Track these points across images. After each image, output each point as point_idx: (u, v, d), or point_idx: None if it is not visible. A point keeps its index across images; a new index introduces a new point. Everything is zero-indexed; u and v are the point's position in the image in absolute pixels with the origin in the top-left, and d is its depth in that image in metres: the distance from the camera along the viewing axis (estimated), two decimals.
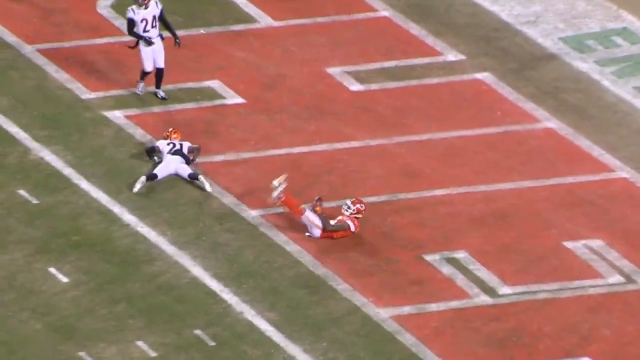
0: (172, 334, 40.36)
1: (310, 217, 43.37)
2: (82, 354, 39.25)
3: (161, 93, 47.42)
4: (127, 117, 46.11)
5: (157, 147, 45.01)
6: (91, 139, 46.18)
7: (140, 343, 40.01)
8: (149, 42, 47.21)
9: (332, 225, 43.17)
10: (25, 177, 44.67)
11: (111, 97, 46.48)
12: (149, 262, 42.10)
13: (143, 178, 44.19)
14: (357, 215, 43.42)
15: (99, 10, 51.04)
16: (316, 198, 43.76)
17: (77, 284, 41.65)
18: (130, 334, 39.84)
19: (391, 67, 48.00)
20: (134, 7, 48.13)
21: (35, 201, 43.57)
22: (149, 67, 45.94)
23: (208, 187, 44.19)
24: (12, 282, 41.97)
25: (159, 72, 45.25)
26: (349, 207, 43.18)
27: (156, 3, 48.42)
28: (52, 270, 42.09)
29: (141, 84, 46.71)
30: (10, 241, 42.11)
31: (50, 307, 40.54)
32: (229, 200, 43.97)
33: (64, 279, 41.98)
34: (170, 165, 44.40)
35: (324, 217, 43.65)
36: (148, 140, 45.50)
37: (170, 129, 44.64)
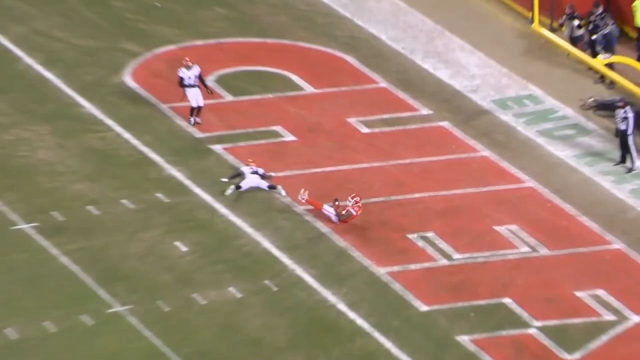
0: (251, 283, 39.36)
1: (327, 210, 42.16)
2: (194, 295, 38.30)
3: (198, 120, 44.39)
4: (224, 149, 43.28)
5: (242, 171, 43.52)
6: (201, 162, 43.54)
7: (231, 289, 39.00)
8: (192, 87, 45.24)
9: (343, 215, 42.31)
10: (161, 185, 43.64)
11: (213, 136, 43.98)
12: (237, 238, 41.04)
13: (233, 187, 42.66)
14: (358, 204, 41.81)
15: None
16: (334, 199, 42.48)
17: (192, 252, 40.40)
18: (224, 283, 39.05)
19: (387, 117, 45.67)
20: (182, 68, 47.14)
21: (166, 200, 42.22)
22: (194, 104, 43.97)
23: (284, 193, 42.35)
24: (152, 249, 40.52)
25: (199, 108, 43.96)
26: (350, 200, 42.90)
27: (196, 66, 45.06)
28: (177, 243, 40.59)
29: (192, 118, 44.15)
30: (151, 224, 40.97)
31: (175, 266, 39.43)
32: (286, 200, 41.18)
33: (184, 248, 40.73)
34: (251, 181, 42.83)
35: (338, 211, 42.41)
36: (236, 163, 42.89)
37: (250, 160, 42.98)
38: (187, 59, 46.82)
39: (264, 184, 43.23)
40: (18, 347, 37.78)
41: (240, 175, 44.51)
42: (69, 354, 37.40)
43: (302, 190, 43.55)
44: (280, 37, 49.81)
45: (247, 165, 44.19)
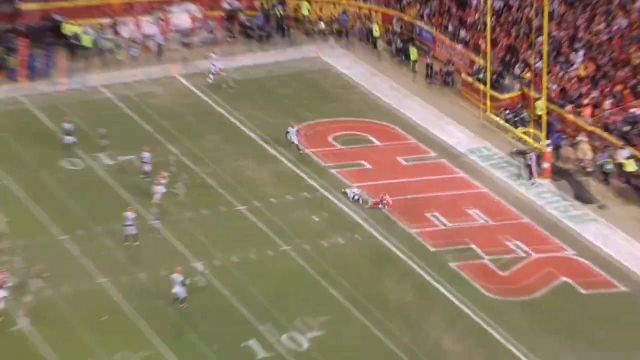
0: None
1: (380, 205, 43.68)
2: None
3: (302, 149, 46.35)
4: (338, 172, 46.12)
5: (347, 192, 44.30)
6: (328, 176, 45.31)
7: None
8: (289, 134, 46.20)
9: (384, 205, 43.68)
10: (318, 207, 44.18)
11: (332, 165, 46.57)
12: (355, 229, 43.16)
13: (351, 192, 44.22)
14: (389, 199, 43.60)
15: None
16: (381, 195, 43.89)
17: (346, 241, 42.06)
18: None
19: (414, 157, 47.24)
20: (290, 128, 46.52)
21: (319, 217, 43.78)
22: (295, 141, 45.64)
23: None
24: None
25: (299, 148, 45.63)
26: (385, 195, 43.67)
27: (296, 127, 46.96)
28: (340, 240, 41.86)
29: (299, 147, 46.31)
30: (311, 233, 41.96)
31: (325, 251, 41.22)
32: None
33: (342, 241, 41.72)
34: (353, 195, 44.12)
35: (384, 204, 43.75)
36: (345, 180, 45.11)
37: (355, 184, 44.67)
38: (293, 123, 48.02)
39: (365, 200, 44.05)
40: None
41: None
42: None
43: (368, 199, 44.21)
44: (362, 116, 50.94)
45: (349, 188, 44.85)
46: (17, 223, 41.62)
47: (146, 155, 44.85)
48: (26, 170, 45.09)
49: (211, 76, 52.24)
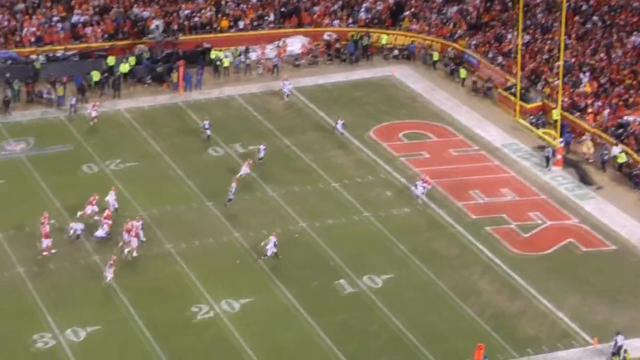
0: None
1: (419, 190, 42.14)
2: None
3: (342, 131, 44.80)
4: (407, 160, 45.40)
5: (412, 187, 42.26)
6: (395, 163, 44.73)
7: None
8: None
9: (424, 184, 42.23)
10: (390, 185, 43.98)
11: (401, 155, 45.59)
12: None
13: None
14: (428, 179, 42.15)
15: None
16: (422, 176, 42.38)
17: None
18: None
19: (462, 149, 46.11)
20: (339, 120, 45.98)
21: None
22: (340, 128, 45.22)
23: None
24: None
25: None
26: (425, 176, 42.41)
27: (341, 121, 46.36)
28: (406, 209, 41.26)
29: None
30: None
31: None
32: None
33: (407, 210, 41.35)
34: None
35: (425, 181, 42.11)
36: (412, 168, 44.64)
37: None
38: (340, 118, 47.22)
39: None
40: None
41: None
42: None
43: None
44: (423, 119, 49.79)
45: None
46: (176, 193, 42.49)
47: (262, 147, 44.80)
48: (184, 156, 45.43)
49: (285, 97, 51.13)
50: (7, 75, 50.31)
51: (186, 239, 39.12)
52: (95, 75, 51.33)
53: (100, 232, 38.44)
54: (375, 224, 40.79)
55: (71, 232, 38.43)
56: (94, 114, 47.78)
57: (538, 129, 48.29)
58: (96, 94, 50.82)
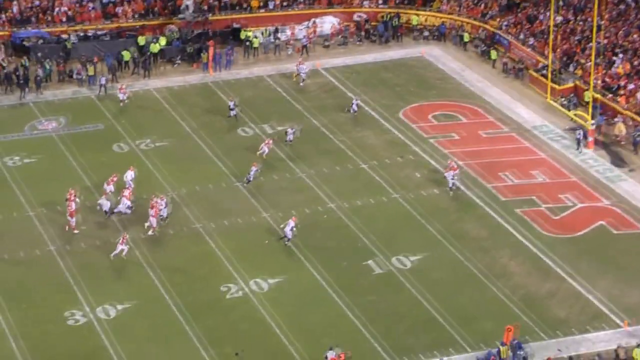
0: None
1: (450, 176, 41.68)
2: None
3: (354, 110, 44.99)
4: (436, 142, 45.32)
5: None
6: (425, 145, 44.65)
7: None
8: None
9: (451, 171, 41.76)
10: (419, 166, 43.88)
11: (431, 136, 45.51)
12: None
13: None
14: (454, 165, 41.77)
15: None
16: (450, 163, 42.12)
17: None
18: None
19: (491, 131, 46.11)
20: (354, 99, 46.17)
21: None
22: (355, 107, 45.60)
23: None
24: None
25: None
26: (451, 162, 42.09)
27: (355, 99, 46.75)
28: (436, 190, 41.33)
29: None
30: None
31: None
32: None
33: (437, 192, 41.71)
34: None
35: (451, 168, 41.69)
36: (442, 150, 44.66)
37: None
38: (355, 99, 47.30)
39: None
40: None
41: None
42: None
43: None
44: (454, 100, 49.52)
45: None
46: (206, 173, 42.58)
47: (290, 130, 44.58)
48: (214, 136, 45.42)
49: (301, 82, 50.30)
50: (39, 54, 50.75)
51: (215, 218, 39.24)
52: (126, 55, 51.50)
53: (121, 207, 38.56)
54: (404, 205, 40.71)
55: (97, 208, 38.66)
56: (121, 96, 47.77)
57: (569, 110, 47.86)
58: (127, 74, 51.13)
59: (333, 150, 44.79)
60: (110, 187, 39.56)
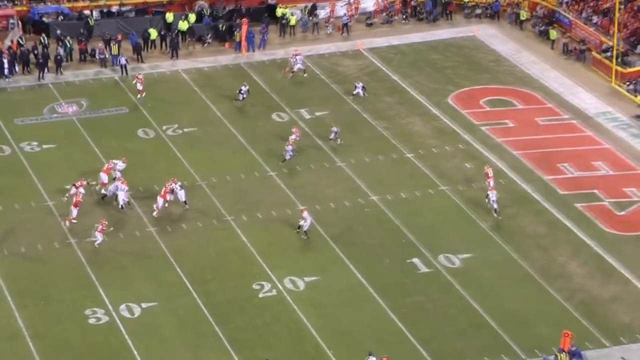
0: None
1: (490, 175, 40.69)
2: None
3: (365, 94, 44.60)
4: (488, 129, 45.39)
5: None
6: (477, 134, 44.75)
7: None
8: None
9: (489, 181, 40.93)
10: (470, 156, 44.31)
11: (482, 123, 45.67)
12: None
13: None
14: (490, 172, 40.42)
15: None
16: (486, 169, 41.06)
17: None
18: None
19: (549, 117, 46.29)
20: (358, 83, 47.00)
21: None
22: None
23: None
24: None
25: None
26: (488, 169, 40.78)
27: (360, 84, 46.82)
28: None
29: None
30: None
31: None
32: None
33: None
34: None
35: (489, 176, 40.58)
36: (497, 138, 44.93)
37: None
38: (359, 82, 47.62)
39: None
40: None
41: None
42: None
43: None
44: (508, 85, 49.79)
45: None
46: (238, 161, 42.73)
47: (334, 129, 43.90)
48: (246, 121, 45.64)
49: (291, 73, 49.00)
50: (59, 32, 51.06)
51: (247, 211, 39.45)
52: (153, 33, 51.80)
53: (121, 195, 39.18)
54: (452, 199, 40.73)
55: (104, 191, 39.03)
56: (139, 87, 47.29)
57: (636, 96, 47.66)
58: (153, 53, 51.47)
59: (376, 138, 44.92)
60: (116, 174, 39.63)
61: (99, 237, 36.98)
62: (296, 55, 49.69)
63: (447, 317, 34.55)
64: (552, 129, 46.17)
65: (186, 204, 39.15)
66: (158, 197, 38.68)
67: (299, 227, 38.16)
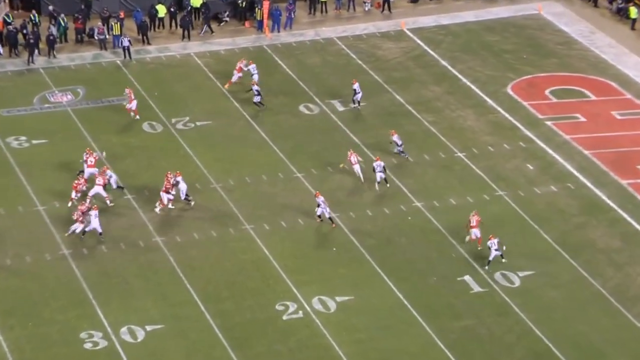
0: None
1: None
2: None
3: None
4: (553, 124, 45.68)
5: None
6: (539, 128, 44.98)
7: None
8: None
9: None
10: (532, 156, 44.58)
11: (547, 117, 45.81)
12: None
13: None
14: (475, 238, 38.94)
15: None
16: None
17: None
18: None
19: (629, 111, 46.61)
20: (355, 85, 46.47)
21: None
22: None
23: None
24: None
25: None
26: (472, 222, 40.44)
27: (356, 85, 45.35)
28: (553, 187, 42.10)
29: None
30: None
31: None
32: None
33: (554, 189, 41.92)
34: None
35: None
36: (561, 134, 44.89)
37: None
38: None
39: None
40: None
41: None
42: None
43: None
44: (579, 72, 49.91)
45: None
46: (259, 160, 42.79)
47: (396, 139, 43.23)
48: (269, 114, 45.68)
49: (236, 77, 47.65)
50: (51, 8, 51.26)
51: (270, 218, 39.51)
52: (161, 10, 51.93)
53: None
54: (511, 206, 40.70)
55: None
56: (132, 106, 45.25)
57: None
58: (161, 33, 51.71)
59: (420, 134, 44.94)
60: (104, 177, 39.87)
61: (78, 227, 37.40)
62: (248, 63, 47.37)
63: (503, 345, 34.42)
64: (631, 124, 46.10)
65: (189, 199, 39.25)
66: (161, 192, 38.98)
67: (319, 216, 38.31)
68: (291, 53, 50.62)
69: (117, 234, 38.29)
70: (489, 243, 37.37)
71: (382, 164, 40.62)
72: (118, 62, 49.29)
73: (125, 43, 49.47)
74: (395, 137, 43.16)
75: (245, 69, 47.22)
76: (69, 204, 38.82)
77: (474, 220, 38.04)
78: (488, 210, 40.03)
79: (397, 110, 46.41)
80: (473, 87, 48.38)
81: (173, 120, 45.12)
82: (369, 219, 39.54)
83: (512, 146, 44.18)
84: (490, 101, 47.28)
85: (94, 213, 37.48)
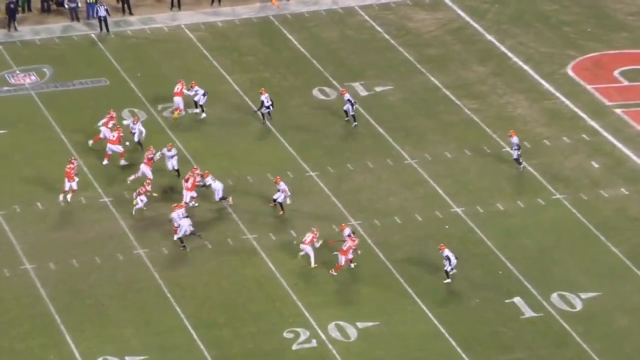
0: None
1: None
2: None
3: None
4: (623, 111, 45.85)
5: None
6: (609, 117, 45.25)
7: None
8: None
9: None
10: (598, 152, 45.09)
11: (617, 104, 46.22)
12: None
13: None
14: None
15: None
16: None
17: None
18: None
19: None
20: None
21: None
22: None
23: None
24: None
25: None
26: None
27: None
28: (623, 190, 41.50)
29: None
30: None
31: None
32: None
33: (625, 192, 41.87)
34: None
35: None
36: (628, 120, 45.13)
37: None
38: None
39: None
40: None
41: None
42: None
43: None
44: None
45: None
46: (263, 156, 42.76)
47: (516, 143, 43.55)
48: (276, 100, 45.19)
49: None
50: None
51: (277, 227, 39.44)
52: None
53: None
54: (572, 212, 40.67)
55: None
56: (121, 148, 43.45)
57: None
58: (145, 1, 51.62)
59: (460, 125, 45.00)
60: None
61: (143, 200, 39.17)
62: (190, 87, 45.27)
63: None
64: None
65: (225, 199, 39.81)
66: (184, 191, 39.54)
67: (274, 200, 38.97)
68: (303, 25, 50.76)
69: (91, 245, 38.09)
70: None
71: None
72: (93, 35, 49.43)
73: (102, 13, 49.51)
74: (514, 139, 42.52)
75: (190, 93, 45.11)
76: (65, 198, 39.35)
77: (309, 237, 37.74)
78: (543, 217, 40.01)
79: (432, 95, 46.40)
80: (525, 67, 48.59)
81: (159, 107, 45.29)
82: (398, 227, 39.52)
83: (573, 139, 44.31)
84: (546, 84, 47.44)
85: (180, 214, 38.25)
